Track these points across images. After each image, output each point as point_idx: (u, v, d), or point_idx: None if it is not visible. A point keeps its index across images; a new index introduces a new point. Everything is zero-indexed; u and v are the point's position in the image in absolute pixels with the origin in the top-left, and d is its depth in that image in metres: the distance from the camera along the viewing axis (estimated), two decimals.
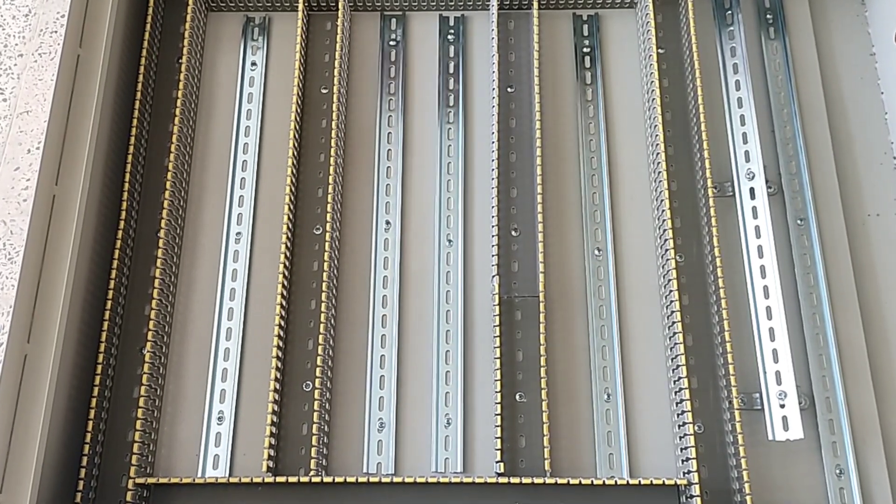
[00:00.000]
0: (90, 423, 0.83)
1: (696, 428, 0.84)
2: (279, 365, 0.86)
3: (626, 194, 0.97)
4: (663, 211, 0.90)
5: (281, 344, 0.87)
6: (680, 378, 0.84)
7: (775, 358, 0.84)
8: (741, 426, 0.81)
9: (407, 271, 0.94)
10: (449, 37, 1.05)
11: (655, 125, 0.94)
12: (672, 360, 0.87)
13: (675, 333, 0.85)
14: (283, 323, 0.88)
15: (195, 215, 0.96)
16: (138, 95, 0.96)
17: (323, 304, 0.87)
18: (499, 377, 0.85)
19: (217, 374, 0.89)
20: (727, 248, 0.90)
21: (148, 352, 0.86)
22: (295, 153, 0.94)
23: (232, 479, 0.82)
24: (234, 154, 0.98)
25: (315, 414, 0.83)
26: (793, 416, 0.82)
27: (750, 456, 0.82)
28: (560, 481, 0.81)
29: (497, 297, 0.88)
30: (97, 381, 0.84)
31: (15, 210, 0.77)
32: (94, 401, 0.83)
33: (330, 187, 0.92)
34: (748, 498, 0.78)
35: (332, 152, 0.93)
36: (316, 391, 0.84)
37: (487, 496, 0.82)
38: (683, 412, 0.82)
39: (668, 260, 0.88)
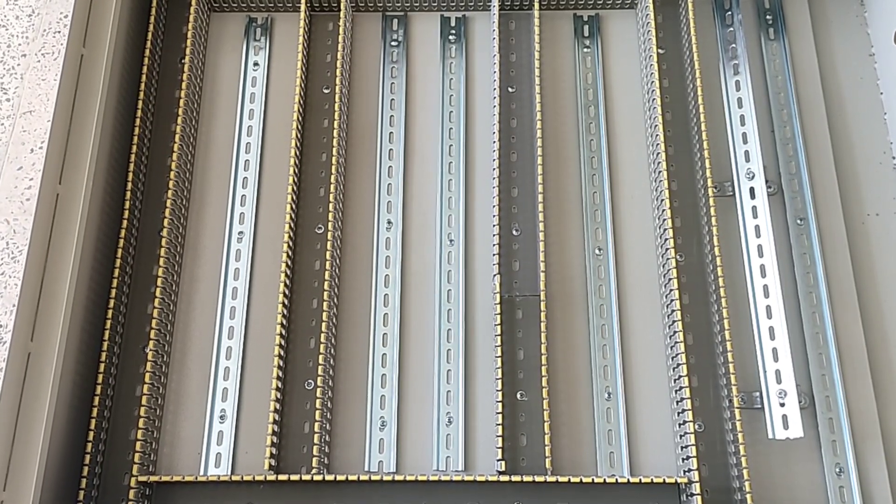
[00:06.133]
0: (93, 421, 0.83)
1: (696, 426, 0.84)
2: (281, 363, 0.87)
3: (627, 194, 0.97)
4: (664, 210, 0.90)
5: (283, 342, 0.87)
6: (680, 377, 0.84)
7: (775, 357, 0.85)
8: (741, 425, 0.81)
9: (408, 270, 0.94)
10: (450, 37, 1.05)
11: (656, 125, 0.94)
12: (672, 358, 0.87)
13: (675, 332, 0.86)
14: (284, 321, 0.88)
15: (197, 214, 0.96)
16: (141, 95, 0.96)
17: (325, 303, 0.87)
18: (500, 376, 0.85)
19: (219, 373, 0.89)
20: (727, 248, 0.91)
21: (150, 350, 0.86)
22: (297, 153, 0.94)
23: (234, 477, 0.82)
24: (236, 153, 0.99)
25: (317, 412, 0.83)
26: (793, 415, 0.82)
27: (750, 454, 0.82)
28: (561, 479, 0.81)
29: (498, 296, 0.88)
30: (100, 380, 0.84)
31: (18, 209, 0.77)
32: (96, 399, 0.83)
33: (332, 186, 0.92)
34: (748, 496, 0.78)
35: (334, 152, 0.93)
36: (318, 389, 0.84)
37: (488, 494, 0.83)
38: (684, 411, 0.83)
39: (668, 259, 0.89)
